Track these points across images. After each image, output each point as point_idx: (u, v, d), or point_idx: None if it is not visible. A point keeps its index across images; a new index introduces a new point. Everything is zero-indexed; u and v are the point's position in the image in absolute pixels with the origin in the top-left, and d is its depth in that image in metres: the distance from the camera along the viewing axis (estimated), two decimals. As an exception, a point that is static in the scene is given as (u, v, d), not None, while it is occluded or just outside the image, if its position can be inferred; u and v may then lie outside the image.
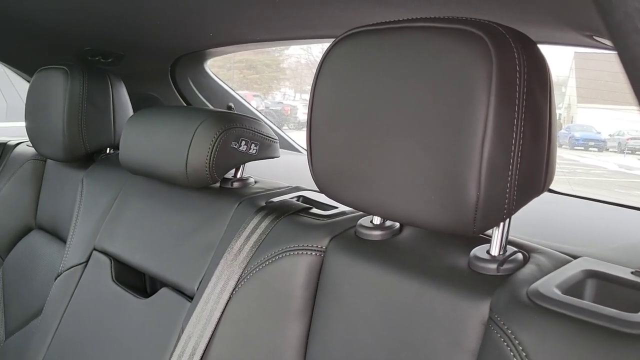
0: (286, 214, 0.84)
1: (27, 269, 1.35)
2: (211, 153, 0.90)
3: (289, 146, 1.85)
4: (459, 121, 0.53)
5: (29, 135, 1.35)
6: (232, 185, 1.00)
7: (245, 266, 0.81)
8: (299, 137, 1.92)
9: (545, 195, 1.10)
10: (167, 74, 1.69)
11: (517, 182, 0.55)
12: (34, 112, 1.32)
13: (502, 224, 0.63)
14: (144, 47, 1.50)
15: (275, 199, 0.91)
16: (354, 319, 0.69)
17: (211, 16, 1.15)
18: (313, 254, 0.76)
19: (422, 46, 0.56)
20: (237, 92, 1.91)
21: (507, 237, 0.64)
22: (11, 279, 1.38)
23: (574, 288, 0.59)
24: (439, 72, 0.55)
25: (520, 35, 0.56)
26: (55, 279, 1.15)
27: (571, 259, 0.65)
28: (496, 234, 0.64)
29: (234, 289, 0.81)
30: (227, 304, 0.81)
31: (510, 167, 0.54)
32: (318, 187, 0.69)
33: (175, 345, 0.84)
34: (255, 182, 1.03)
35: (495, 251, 0.64)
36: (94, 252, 1.11)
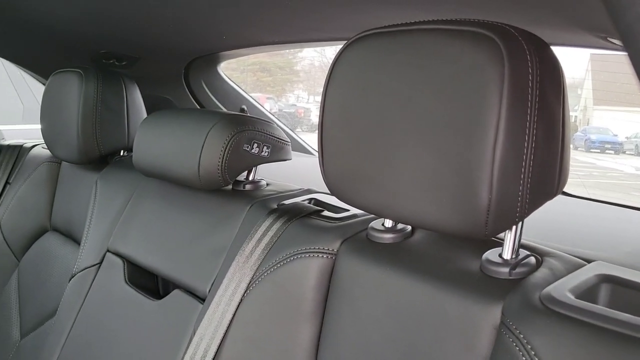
0: (298, 216, 0.84)
1: (42, 270, 1.37)
2: (223, 155, 0.91)
3: (301, 148, 1.85)
4: (471, 124, 0.53)
5: (44, 137, 1.36)
6: (244, 187, 1.00)
7: (257, 268, 0.81)
8: (312, 140, 1.92)
9: (560, 198, 1.09)
10: (180, 76, 1.70)
11: (529, 185, 0.54)
12: (49, 115, 1.33)
13: (514, 227, 0.63)
14: (157, 50, 1.51)
15: (287, 202, 0.91)
16: (365, 322, 0.69)
17: (224, 19, 1.16)
18: (324, 256, 0.76)
19: (434, 49, 0.56)
20: (251, 94, 1.92)
21: (519, 241, 0.63)
22: (27, 280, 1.40)
23: (588, 292, 0.58)
24: (450, 75, 0.54)
25: (533, 37, 0.55)
26: (70, 280, 1.16)
27: (585, 263, 0.65)
28: (508, 238, 0.63)
29: (245, 292, 0.81)
30: (238, 306, 0.81)
31: (523, 170, 0.53)
32: (329, 190, 0.69)
33: (187, 347, 0.85)
34: (267, 184, 1.03)
35: (507, 255, 0.63)
36: (108, 253, 1.12)
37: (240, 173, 0.96)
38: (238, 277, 0.82)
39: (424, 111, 0.56)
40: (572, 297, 0.55)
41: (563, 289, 0.57)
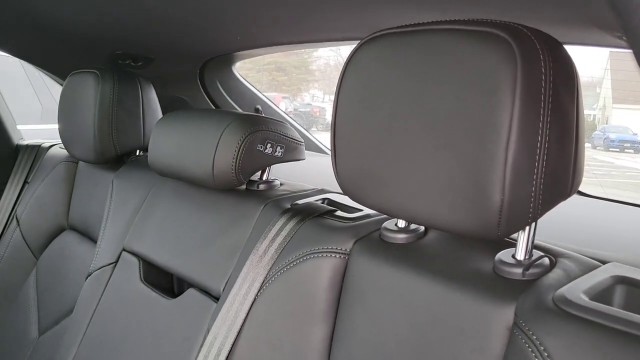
0: (311, 216, 0.84)
1: (59, 268, 1.39)
2: (237, 156, 0.91)
3: (316, 148, 1.85)
4: (483, 124, 0.53)
5: (61, 137, 1.38)
6: (258, 187, 1.01)
7: (270, 268, 0.81)
8: (328, 139, 1.92)
9: (576, 198, 1.09)
10: (195, 76, 1.72)
11: (542, 185, 0.54)
12: (66, 115, 1.35)
13: (527, 227, 0.62)
14: (173, 51, 1.52)
15: (301, 202, 0.91)
16: (378, 322, 0.69)
17: (238, 20, 1.16)
18: (337, 256, 0.76)
19: (446, 49, 0.56)
20: (266, 94, 1.92)
21: (533, 241, 0.63)
22: (45, 278, 1.42)
23: (603, 294, 0.57)
24: (463, 75, 0.54)
25: (546, 37, 0.55)
26: (86, 278, 1.18)
27: (600, 264, 0.64)
28: (522, 238, 0.63)
29: (259, 291, 0.81)
30: (252, 305, 0.81)
31: (536, 170, 0.53)
32: (342, 190, 0.69)
33: (201, 346, 0.85)
34: (281, 184, 1.03)
35: (520, 255, 0.63)
36: (123, 252, 1.13)
37: (254, 173, 0.97)
38: (252, 277, 0.83)
39: (436, 111, 0.56)
40: (586, 298, 0.55)
41: (577, 290, 0.56)
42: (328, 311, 0.75)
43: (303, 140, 1.02)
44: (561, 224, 0.84)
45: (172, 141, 1.00)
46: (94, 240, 1.32)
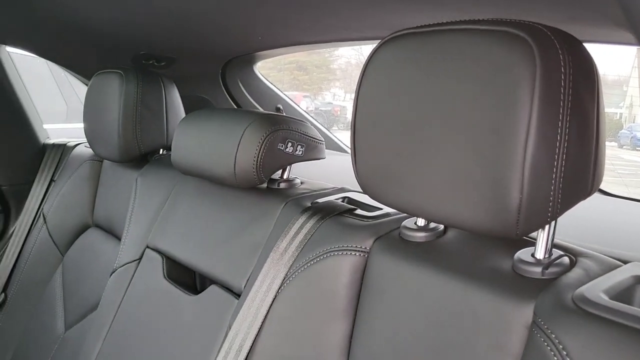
0: (331, 214, 0.85)
1: (85, 265, 1.41)
2: (258, 154, 0.92)
3: (337, 147, 1.86)
4: (501, 124, 0.53)
5: (86, 136, 1.41)
6: (278, 185, 1.02)
7: (291, 265, 0.82)
8: (348, 138, 1.92)
9: (599, 197, 1.08)
10: (217, 76, 1.73)
11: (561, 185, 0.54)
12: (91, 115, 1.37)
13: (547, 226, 0.62)
14: (195, 51, 1.54)
15: (321, 200, 0.92)
16: (398, 320, 0.69)
17: (260, 20, 1.17)
18: (357, 254, 0.76)
19: (466, 48, 0.56)
20: (287, 93, 1.93)
21: (552, 240, 0.63)
22: (70, 275, 1.44)
23: (623, 294, 0.57)
24: (482, 75, 0.54)
25: (566, 35, 0.55)
26: (111, 275, 1.20)
27: (621, 263, 0.64)
28: (541, 237, 0.63)
29: (279, 288, 0.82)
30: (272, 302, 0.82)
31: (555, 169, 0.53)
32: (362, 188, 0.70)
33: (223, 342, 0.87)
34: (302, 182, 1.04)
35: (540, 254, 0.63)
36: (147, 249, 1.15)
37: (275, 171, 0.98)
38: (272, 274, 0.84)
39: (455, 110, 0.56)
40: (606, 297, 0.54)
41: (597, 289, 0.56)
42: (348, 309, 0.76)
43: (323, 140, 1.03)
44: (583, 223, 0.84)
45: (194, 140, 1.02)
46: (118, 237, 1.34)
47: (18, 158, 1.71)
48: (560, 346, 0.52)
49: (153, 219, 1.17)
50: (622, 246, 0.74)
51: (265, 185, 1.03)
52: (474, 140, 0.55)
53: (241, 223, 0.98)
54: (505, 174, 0.53)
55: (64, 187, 1.57)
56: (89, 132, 1.39)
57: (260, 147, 0.92)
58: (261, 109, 1.84)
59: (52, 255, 1.54)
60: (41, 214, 1.61)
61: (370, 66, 0.65)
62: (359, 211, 0.86)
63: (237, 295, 0.92)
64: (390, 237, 0.76)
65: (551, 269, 0.61)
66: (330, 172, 1.33)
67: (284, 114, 1.85)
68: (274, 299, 0.82)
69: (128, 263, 1.17)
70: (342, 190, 0.99)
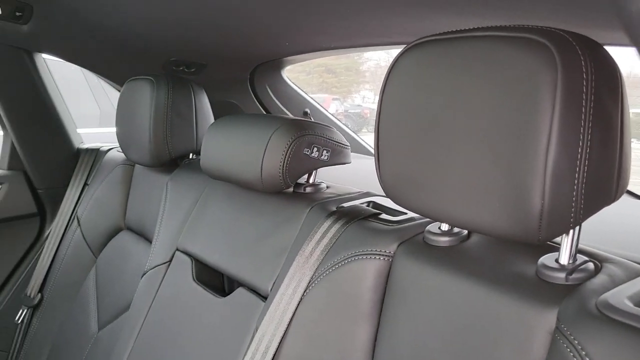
0: (356, 219, 0.86)
1: (117, 267, 1.44)
2: (284, 159, 0.94)
3: (365, 151, 1.86)
4: (523, 130, 0.53)
5: (119, 141, 1.44)
6: (304, 190, 1.03)
7: (316, 269, 0.84)
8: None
9: (626, 200, 1.06)
10: (246, 81, 1.76)
11: (584, 190, 0.54)
12: (123, 120, 1.41)
13: (571, 231, 0.62)
14: (224, 57, 1.56)
15: (346, 204, 0.93)
16: (421, 324, 0.70)
17: (287, 27, 1.19)
18: (381, 258, 0.77)
19: (487, 55, 0.57)
20: (316, 95, 1.95)
21: (577, 246, 0.63)
22: (103, 276, 1.48)
23: None
24: (503, 81, 0.55)
25: (588, 41, 0.55)
26: (142, 276, 1.23)
27: None
28: (565, 242, 0.63)
29: (305, 291, 0.84)
30: (298, 304, 0.84)
31: (577, 175, 0.53)
32: (385, 193, 0.71)
33: (250, 343, 0.88)
34: (327, 187, 1.05)
35: (564, 260, 0.63)
36: (177, 252, 1.17)
37: (301, 176, 0.99)
38: (298, 277, 0.85)
39: (477, 117, 0.57)
40: (631, 304, 0.54)
41: (621, 296, 0.56)
42: (372, 312, 0.77)
43: (349, 144, 1.04)
44: (610, 228, 0.83)
45: (222, 145, 1.04)
46: (149, 240, 1.37)
47: (53, 162, 1.76)
48: (583, 352, 0.52)
49: (183, 222, 1.20)
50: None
51: (291, 189, 1.04)
52: (495, 146, 0.55)
53: (268, 227, 0.99)
54: (527, 179, 0.54)
55: (97, 190, 1.61)
56: (121, 137, 1.43)
57: (286, 153, 0.94)
58: (289, 114, 1.86)
59: (86, 257, 1.58)
60: (75, 217, 1.65)
61: (394, 73, 0.66)
62: (383, 215, 0.87)
63: (264, 297, 0.93)
64: (414, 242, 0.77)
65: (575, 275, 0.61)
66: (359, 176, 1.33)
67: (312, 118, 1.87)
68: (300, 301, 0.84)
69: (158, 265, 1.19)
70: (368, 194, 0.99)
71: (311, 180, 1.04)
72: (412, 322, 0.71)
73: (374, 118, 0.69)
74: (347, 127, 2.01)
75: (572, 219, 0.55)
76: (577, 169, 0.53)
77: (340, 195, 1.00)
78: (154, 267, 1.20)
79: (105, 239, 1.56)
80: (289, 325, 0.84)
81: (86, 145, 1.83)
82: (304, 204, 0.96)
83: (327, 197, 0.98)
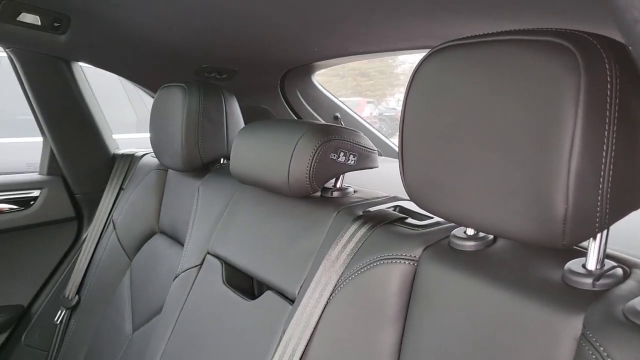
0: (382, 223, 0.86)
1: (150, 269, 1.48)
2: (311, 164, 0.95)
3: (397, 155, 1.85)
4: (545, 134, 0.53)
5: (152, 147, 1.47)
6: (331, 194, 1.04)
7: (342, 273, 0.84)
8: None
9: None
10: (277, 87, 1.78)
11: (609, 195, 0.53)
12: (156, 126, 1.44)
13: (598, 236, 0.61)
14: (255, 63, 1.58)
15: (372, 209, 0.93)
16: (446, 328, 0.70)
17: (316, 32, 1.21)
18: (407, 262, 0.77)
19: (510, 60, 0.56)
20: (351, 99, 1.96)
21: (604, 251, 0.62)
22: (138, 279, 1.51)
23: None
24: (526, 86, 0.55)
25: (612, 42, 0.54)
26: (174, 279, 1.25)
27: None
28: (592, 247, 0.62)
29: (331, 295, 0.84)
30: (324, 308, 0.84)
31: (601, 180, 0.53)
32: (410, 197, 0.71)
33: (277, 346, 0.89)
34: (355, 191, 1.06)
35: (591, 265, 0.62)
36: (208, 255, 1.20)
37: (328, 181, 1.00)
38: (324, 281, 0.86)
39: (500, 121, 0.57)
40: None
41: None
42: (397, 316, 0.77)
43: (376, 149, 1.04)
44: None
45: (251, 150, 1.05)
46: (181, 243, 1.39)
47: (90, 168, 1.81)
48: (609, 359, 0.52)
49: (213, 226, 1.22)
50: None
51: (319, 193, 1.05)
52: (518, 150, 0.55)
53: (295, 231, 1.00)
54: (550, 184, 0.53)
55: (132, 195, 1.65)
56: (154, 143, 1.46)
57: (313, 157, 0.95)
58: (320, 118, 1.88)
59: (121, 260, 1.62)
60: (111, 221, 1.70)
61: (417, 77, 0.66)
62: (409, 220, 0.87)
63: (292, 301, 0.94)
64: (440, 246, 0.77)
65: (602, 281, 0.60)
66: (389, 180, 1.33)
67: (342, 123, 1.88)
68: (326, 305, 0.84)
69: (190, 268, 1.22)
70: (394, 199, 1.00)
71: (338, 185, 1.05)
72: (437, 327, 0.71)
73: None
74: (379, 130, 2.01)
75: (598, 223, 0.54)
76: (602, 173, 0.52)
77: (367, 199, 1.00)
78: (185, 270, 1.23)
79: (140, 242, 1.60)
80: (315, 328, 0.85)
81: (121, 151, 1.88)
82: (330, 208, 0.97)
83: (353, 202, 0.99)
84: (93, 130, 1.79)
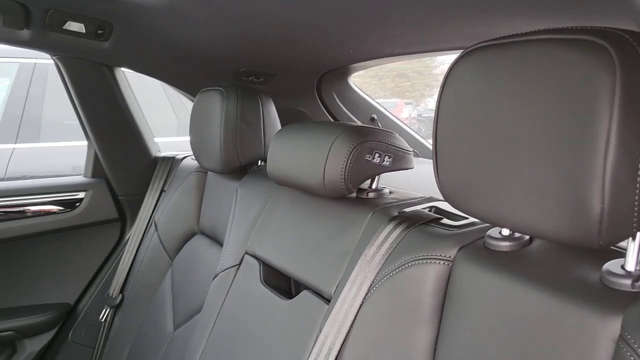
0: (417, 223, 0.86)
1: (191, 269, 1.51)
2: (346, 166, 0.95)
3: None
4: (580, 134, 0.53)
5: (192, 149, 1.51)
6: (367, 195, 1.04)
7: (378, 273, 0.85)
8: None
9: None
10: (313, 89, 1.79)
11: None
12: (196, 130, 1.47)
13: (638, 235, 0.60)
14: (292, 67, 1.60)
15: (408, 209, 0.93)
16: (481, 329, 0.69)
17: (352, 35, 1.21)
18: (441, 263, 0.77)
19: (544, 59, 0.56)
20: (389, 100, 1.96)
21: None
22: (178, 278, 1.55)
23: None
24: (561, 85, 0.54)
25: None
26: (213, 279, 1.28)
27: None
28: (632, 248, 0.61)
29: (366, 294, 0.85)
30: (360, 308, 0.85)
31: (638, 179, 0.52)
32: (444, 198, 0.71)
33: (314, 345, 0.91)
34: (390, 192, 1.06)
35: (630, 266, 0.61)
36: (246, 255, 1.22)
37: (363, 182, 1.00)
38: (360, 281, 0.87)
39: (534, 121, 0.57)
40: None
41: None
42: (432, 316, 0.77)
43: (411, 150, 1.04)
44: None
45: (287, 152, 1.07)
46: (220, 243, 1.42)
47: (132, 170, 1.87)
48: None
49: (251, 227, 1.24)
50: None
51: (354, 194, 1.06)
52: (553, 150, 0.55)
53: (331, 231, 1.02)
54: (585, 184, 0.53)
55: (173, 197, 1.69)
56: (194, 146, 1.49)
57: (348, 159, 0.95)
58: (357, 120, 1.88)
59: (163, 260, 1.66)
60: (153, 222, 1.74)
61: (450, 79, 0.67)
62: (444, 220, 0.87)
63: (328, 300, 0.95)
64: (475, 246, 0.77)
65: None
66: (426, 182, 1.33)
67: (379, 124, 1.88)
68: (361, 305, 0.85)
69: (229, 268, 1.24)
70: (430, 199, 1.00)
71: (374, 186, 1.05)
72: (472, 327, 0.71)
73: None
74: (418, 132, 2.00)
75: (636, 223, 0.54)
76: (639, 172, 0.52)
77: (402, 200, 1.00)
78: (224, 270, 1.25)
79: (181, 243, 1.63)
80: (350, 327, 0.85)
81: (163, 153, 1.92)
82: (366, 209, 0.98)
83: (389, 202, 0.99)
84: (135, 133, 1.84)
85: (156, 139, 1.96)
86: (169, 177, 1.81)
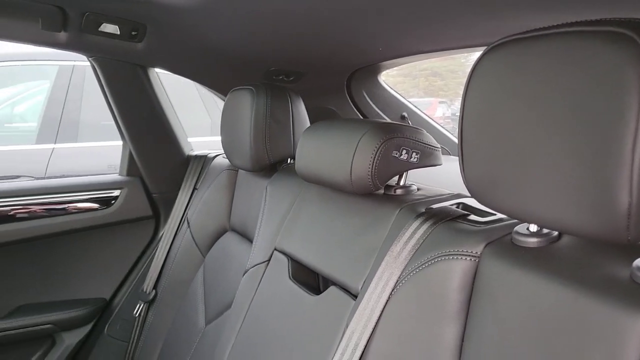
0: (444, 220, 0.86)
1: (222, 265, 1.53)
2: (373, 162, 0.96)
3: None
4: (607, 127, 0.52)
5: (223, 148, 1.53)
6: (394, 192, 1.04)
7: (404, 268, 0.85)
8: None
9: None
10: (343, 88, 1.80)
11: None
12: (227, 128, 1.49)
13: None
14: (321, 65, 1.61)
15: (435, 206, 0.93)
16: (508, 325, 0.69)
17: (381, 32, 1.22)
18: (468, 259, 0.77)
19: (570, 52, 0.56)
20: (423, 99, 1.96)
21: None
22: (210, 274, 1.57)
23: None
24: (587, 77, 0.54)
25: None
26: (243, 275, 1.30)
27: None
28: None
29: (392, 290, 0.85)
30: (386, 303, 0.85)
31: None
32: (471, 194, 0.71)
33: (340, 340, 0.91)
34: (418, 189, 1.06)
35: None
36: (275, 252, 1.23)
37: (390, 178, 1.00)
38: (386, 276, 0.87)
39: (561, 115, 0.56)
40: None
41: None
42: (459, 312, 0.77)
43: (439, 146, 1.04)
44: None
45: (315, 150, 1.08)
46: (251, 240, 1.43)
47: (166, 169, 1.91)
48: None
49: (280, 224, 1.25)
50: None
51: (382, 191, 1.06)
52: (580, 144, 0.55)
53: (359, 227, 1.02)
54: (613, 177, 0.52)
55: (205, 194, 1.72)
56: (225, 144, 1.51)
57: (375, 155, 0.96)
58: (387, 118, 1.88)
59: (195, 257, 1.69)
60: (185, 219, 1.77)
61: (476, 74, 0.66)
62: (472, 217, 0.86)
63: (355, 296, 0.96)
64: (502, 243, 0.76)
65: None
66: (454, 178, 1.32)
67: (409, 122, 1.87)
68: (388, 300, 0.85)
69: (258, 264, 1.26)
70: (458, 196, 0.99)
71: (401, 182, 1.05)
72: (499, 323, 0.70)
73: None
74: (450, 130, 1.99)
75: None
76: None
77: (430, 197, 1.00)
78: (254, 266, 1.27)
79: (212, 239, 1.66)
80: (377, 323, 0.86)
81: (195, 152, 1.96)
82: (393, 205, 0.98)
83: (416, 199, 0.99)
84: (168, 133, 1.88)
85: (190, 139, 2.00)
86: (201, 175, 1.84)
